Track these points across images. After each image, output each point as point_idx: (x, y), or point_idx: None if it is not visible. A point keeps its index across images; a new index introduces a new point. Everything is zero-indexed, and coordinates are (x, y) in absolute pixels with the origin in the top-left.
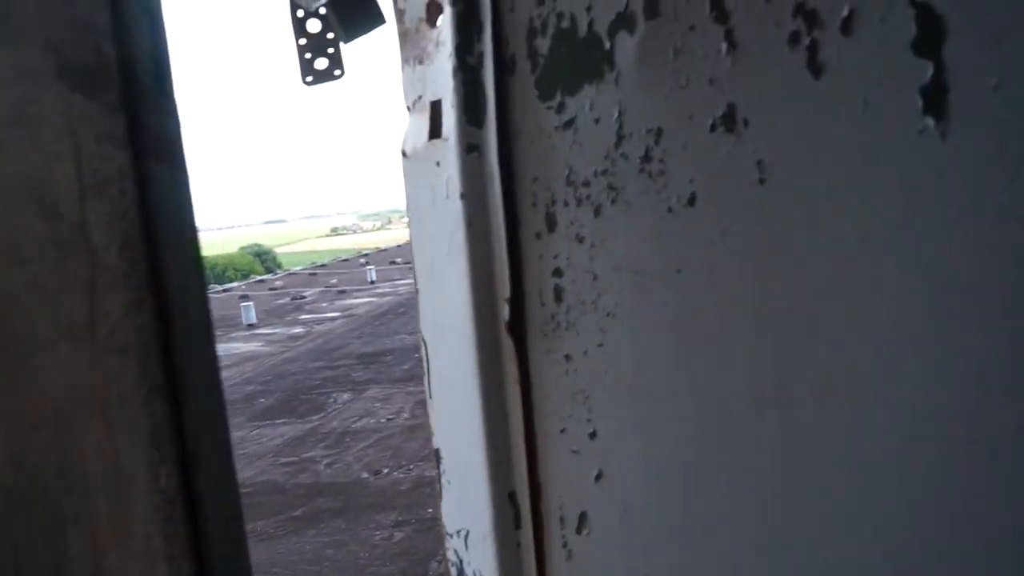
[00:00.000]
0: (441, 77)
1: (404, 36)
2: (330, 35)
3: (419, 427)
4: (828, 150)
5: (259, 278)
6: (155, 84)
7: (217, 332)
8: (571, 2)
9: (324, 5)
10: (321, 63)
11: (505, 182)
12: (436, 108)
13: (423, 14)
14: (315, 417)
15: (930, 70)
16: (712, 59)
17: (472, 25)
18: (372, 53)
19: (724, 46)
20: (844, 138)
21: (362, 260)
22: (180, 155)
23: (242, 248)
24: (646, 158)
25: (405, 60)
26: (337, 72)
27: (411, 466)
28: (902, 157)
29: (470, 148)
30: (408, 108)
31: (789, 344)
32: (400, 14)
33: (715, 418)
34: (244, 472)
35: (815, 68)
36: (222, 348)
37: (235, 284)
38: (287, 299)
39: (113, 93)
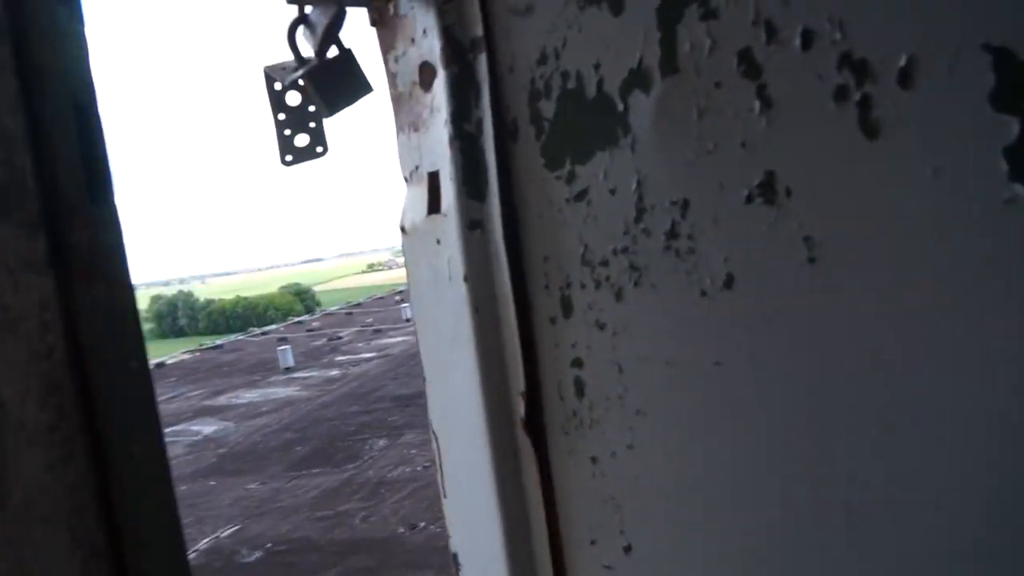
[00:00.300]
0: (438, 146)
1: (397, 101)
2: (311, 107)
3: None
4: (890, 224)
5: (297, 319)
6: (88, 192)
7: (256, 377)
8: (577, 60)
9: (302, 77)
10: (302, 139)
11: (513, 262)
12: (434, 180)
13: (416, 77)
14: (351, 466)
15: (1015, 127)
16: (743, 120)
17: (469, 89)
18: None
19: (757, 104)
20: (909, 210)
21: (397, 297)
22: (120, 270)
23: (282, 288)
24: (672, 234)
25: (399, 127)
26: (319, 149)
27: None
28: (984, 232)
29: (472, 224)
30: (405, 179)
31: (850, 448)
32: (392, 77)
33: (765, 530)
34: (280, 528)
35: (869, 128)
36: (260, 393)
37: (273, 327)
38: (324, 340)
39: (30, 210)
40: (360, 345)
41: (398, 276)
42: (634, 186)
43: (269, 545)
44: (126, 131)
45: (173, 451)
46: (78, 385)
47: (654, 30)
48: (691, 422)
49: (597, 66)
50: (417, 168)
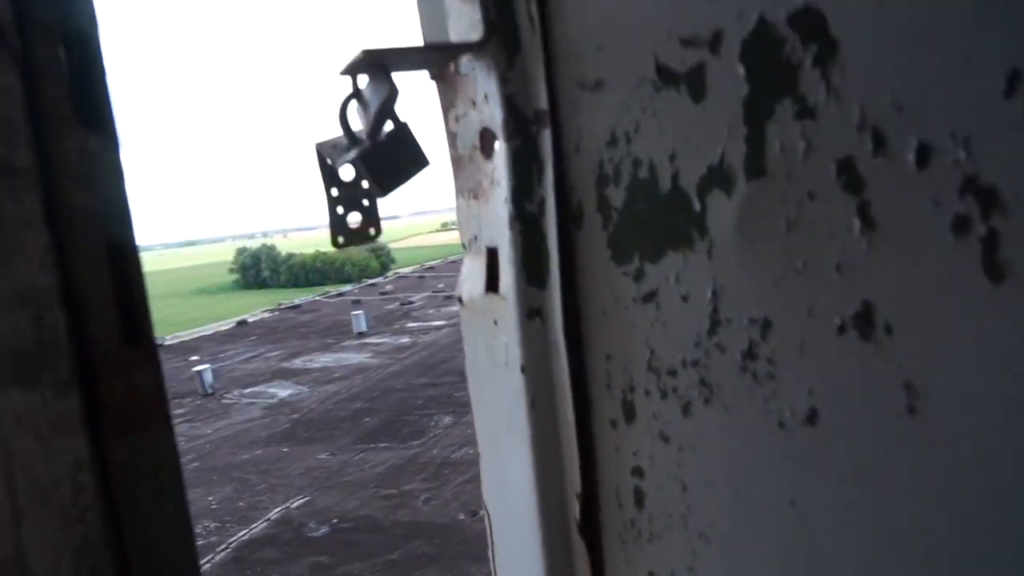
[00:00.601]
0: (497, 221)
1: (457, 163)
2: (366, 183)
3: None
4: (1012, 385)
5: (371, 281)
6: (124, 334)
7: (330, 340)
8: (650, 147)
9: (353, 160)
10: (355, 219)
11: (573, 357)
12: (493, 257)
13: (476, 142)
14: (416, 443)
15: None
16: (841, 239)
17: (531, 164)
18: None
19: (857, 223)
20: None
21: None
22: (158, 412)
23: None
24: (750, 354)
25: (459, 191)
26: (372, 231)
27: None
28: None
29: (531, 312)
30: (463, 245)
31: None
32: (452, 137)
33: None
34: (347, 503)
35: (994, 269)
36: (334, 358)
37: (348, 288)
38: (396, 304)
39: (62, 368)
40: (431, 312)
41: None
42: (709, 295)
43: (335, 520)
44: (217, 87)
45: (251, 413)
46: (113, 544)
47: (740, 124)
48: (760, 557)
49: (673, 157)
50: (476, 239)
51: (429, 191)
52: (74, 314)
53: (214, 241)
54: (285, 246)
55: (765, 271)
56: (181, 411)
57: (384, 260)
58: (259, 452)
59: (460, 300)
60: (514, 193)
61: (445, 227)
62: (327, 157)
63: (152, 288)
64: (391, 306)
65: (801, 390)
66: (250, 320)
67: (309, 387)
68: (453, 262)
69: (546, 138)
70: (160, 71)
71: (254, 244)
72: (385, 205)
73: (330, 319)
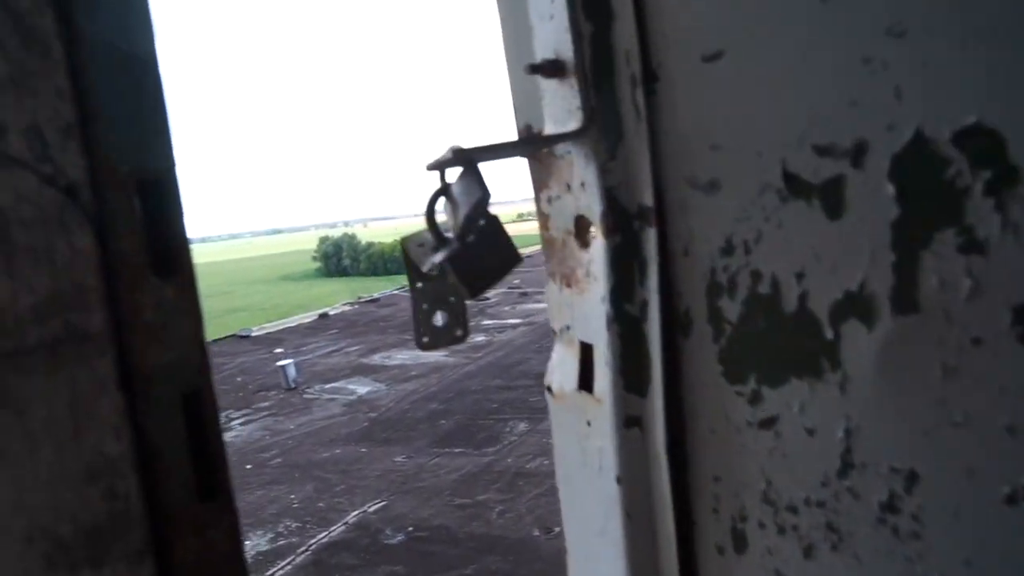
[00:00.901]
0: (593, 318)
1: (549, 245)
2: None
3: None
4: None
5: None
6: (200, 492)
7: (407, 336)
8: (774, 261)
9: (440, 264)
10: (440, 318)
11: (676, 473)
12: (587, 354)
13: (571, 227)
14: (491, 450)
15: None
16: (1013, 398)
17: (633, 264)
18: None
19: None
20: None
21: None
22: (240, 569)
23: None
24: (890, 507)
25: (551, 273)
26: (459, 332)
27: None
28: None
29: (629, 421)
30: (554, 331)
31: None
32: (543, 218)
33: None
34: (422, 511)
35: None
36: (411, 355)
37: None
38: (471, 301)
39: (134, 538)
40: (506, 309)
41: None
42: (841, 434)
43: (411, 529)
44: (306, 81)
45: (331, 410)
46: None
47: (886, 250)
48: None
49: (801, 276)
50: (568, 328)
51: (505, 182)
52: (148, 477)
53: (299, 230)
54: (365, 235)
55: (913, 418)
56: (266, 404)
57: None
58: (338, 451)
59: (549, 389)
60: (613, 292)
61: (521, 218)
62: (412, 255)
63: (240, 275)
64: (467, 302)
65: (955, 558)
66: (331, 313)
67: (387, 385)
68: (529, 256)
69: (651, 237)
70: (254, 62)
71: (336, 233)
72: None
73: (407, 313)
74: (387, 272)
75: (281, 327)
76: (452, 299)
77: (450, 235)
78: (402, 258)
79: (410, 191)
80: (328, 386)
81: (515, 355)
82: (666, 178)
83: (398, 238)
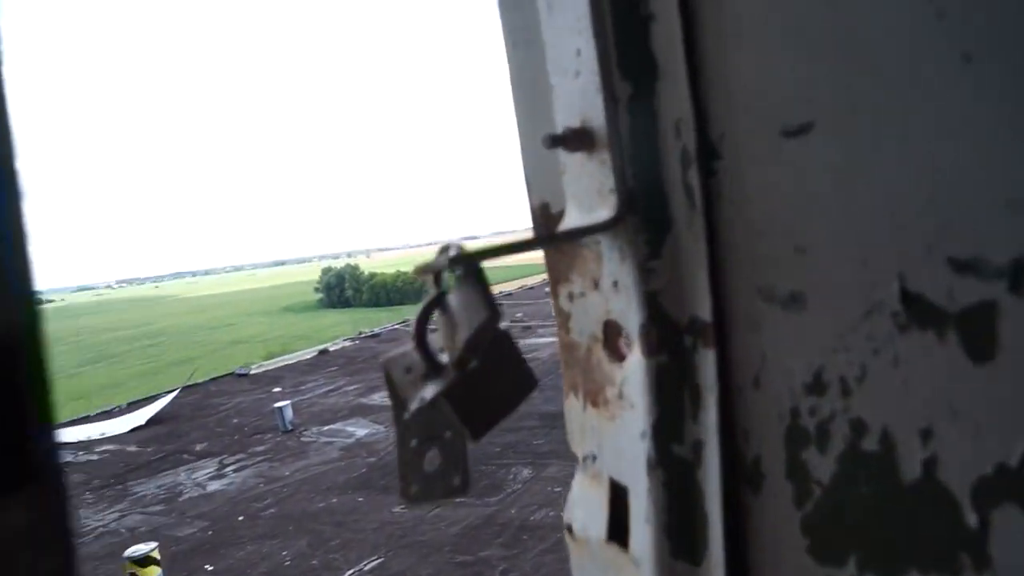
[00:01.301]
0: (629, 455)
1: (569, 351)
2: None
3: None
4: None
5: None
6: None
7: None
8: (886, 412)
9: (434, 398)
10: (432, 461)
11: None
12: (619, 496)
13: (598, 334)
14: (494, 500)
15: None
16: None
17: (683, 392)
18: None
19: None
20: None
21: (547, 289)
22: None
23: None
24: None
25: (569, 386)
26: (456, 481)
27: None
28: None
29: None
30: (579, 458)
31: None
32: (563, 316)
33: None
34: (420, 569)
35: None
36: None
37: None
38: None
39: None
40: None
41: None
42: None
43: None
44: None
45: (328, 455)
46: None
47: None
48: None
49: (928, 434)
50: (594, 459)
51: (508, 209)
52: None
53: (302, 261)
54: (368, 266)
55: None
56: (262, 448)
57: None
58: (335, 500)
59: (569, 530)
60: (657, 426)
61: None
62: (398, 383)
63: (243, 306)
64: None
65: None
66: (331, 349)
67: (386, 427)
68: (531, 288)
69: (708, 360)
70: (256, 89)
71: (339, 264)
72: (464, 226)
73: None
74: (389, 303)
75: (280, 364)
76: (447, 436)
77: (445, 359)
78: (386, 385)
79: (414, 221)
80: (326, 428)
81: None
82: (729, 285)
83: (400, 269)
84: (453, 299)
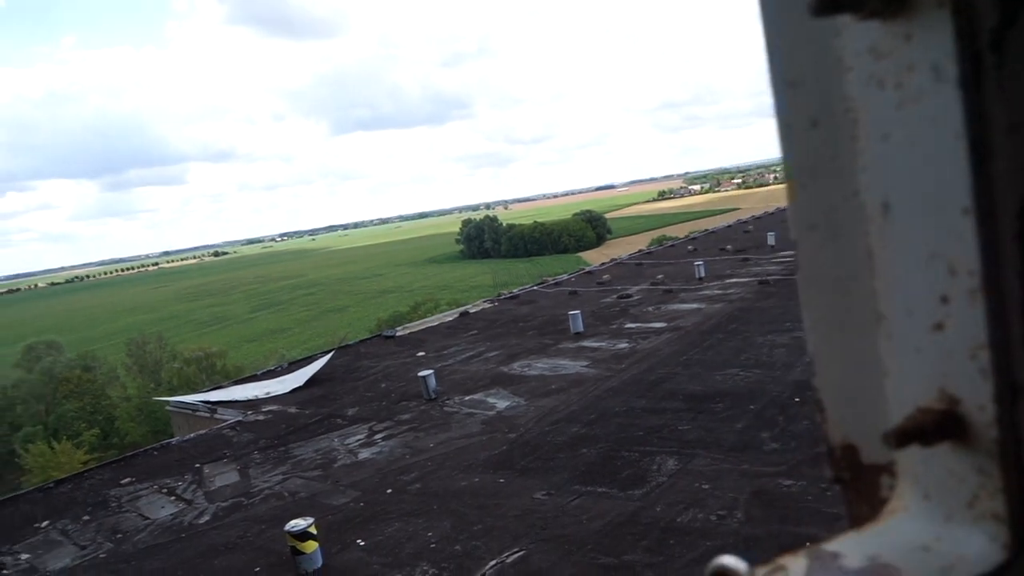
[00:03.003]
0: None
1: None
2: None
3: (755, 541)
4: None
5: (587, 269)
6: None
7: (547, 340)
8: None
9: None
10: None
11: None
12: None
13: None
14: (637, 492)
15: None
16: None
17: None
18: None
19: None
20: None
21: (690, 247)
22: None
23: (575, 214)
24: None
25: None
26: None
27: None
28: None
29: None
30: None
31: None
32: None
33: None
34: (562, 568)
35: None
36: (550, 365)
37: (564, 276)
38: (613, 298)
39: None
40: (650, 309)
41: (687, 203)
42: None
43: None
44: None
45: (470, 428)
46: None
47: None
48: None
49: None
50: None
51: (645, 159)
52: None
53: (443, 213)
54: (506, 216)
55: None
56: (407, 416)
57: (600, 231)
58: (476, 480)
59: None
60: None
61: (662, 196)
62: None
63: (390, 257)
64: (608, 299)
65: None
66: (472, 311)
67: (526, 399)
68: (672, 245)
69: None
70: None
71: (478, 216)
72: (600, 175)
73: (547, 313)
74: (527, 253)
75: (423, 327)
76: None
77: None
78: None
79: (551, 171)
80: (467, 398)
81: (660, 368)
82: None
83: (537, 220)
84: None
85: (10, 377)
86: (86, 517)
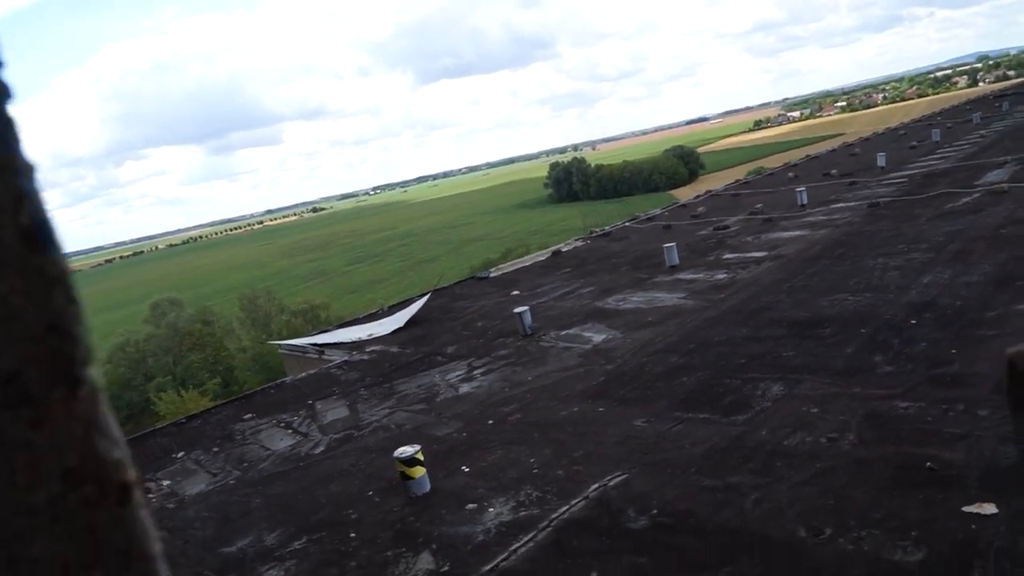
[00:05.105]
0: None
1: None
2: None
3: (868, 462)
4: None
5: (682, 202)
6: None
7: (641, 275)
8: None
9: None
10: None
11: None
12: None
13: None
14: (740, 418)
15: None
16: None
17: None
18: None
19: None
20: None
21: (790, 174)
22: None
23: (666, 151)
24: None
25: None
26: None
27: (862, 532)
28: None
29: None
30: None
31: None
32: None
33: None
34: (665, 491)
35: None
36: (645, 298)
37: (657, 211)
38: (709, 230)
39: None
40: (748, 239)
41: (789, 131)
42: None
43: (655, 512)
44: None
45: (567, 361)
46: None
47: None
48: None
49: None
50: None
51: (740, 88)
52: None
53: (530, 157)
54: (594, 158)
55: None
56: (504, 352)
57: (692, 166)
58: (575, 409)
59: None
60: None
61: (759, 125)
62: None
63: (480, 205)
64: (703, 232)
65: None
66: (564, 250)
67: (623, 332)
68: (771, 174)
69: None
70: None
71: (565, 158)
72: (691, 108)
73: (640, 248)
74: (616, 194)
75: (517, 267)
76: None
77: None
78: (1006, 378)
79: (639, 109)
80: (563, 333)
81: (762, 297)
82: None
83: (626, 159)
84: None
85: (141, 332)
86: (215, 448)
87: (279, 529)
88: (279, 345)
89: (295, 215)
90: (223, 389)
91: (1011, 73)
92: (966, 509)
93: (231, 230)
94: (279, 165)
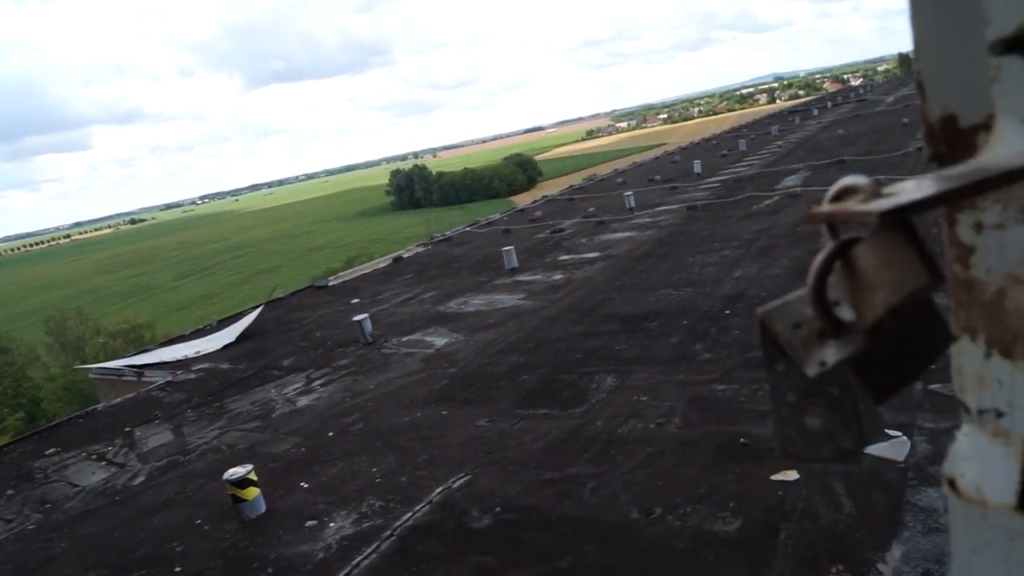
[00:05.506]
0: None
1: (966, 289)
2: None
3: (693, 443)
4: None
5: (521, 207)
6: None
7: (482, 278)
8: None
9: (842, 362)
10: (815, 418)
11: None
12: None
13: (1020, 274)
14: (578, 410)
15: None
16: None
17: None
18: None
19: None
20: None
21: (619, 180)
22: None
23: (505, 159)
24: None
25: (965, 327)
26: (848, 443)
27: (687, 508)
28: None
29: None
30: (969, 408)
31: None
32: (962, 251)
33: None
34: (508, 488)
35: None
36: (486, 300)
37: (497, 216)
38: (546, 233)
39: None
40: (583, 241)
41: (615, 140)
42: None
43: (498, 510)
44: None
45: (409, 366)
46: None
47: None
48: None
49: None
50: (1000, 416)
51: (572, 99)
52: None
53: (371, 164)
54: (435, 164)
55: None
56: (345, 362)
57: (530, 173)
58: (419, 414)
59: (952, 484)
60: None
61: (591, 135)
62: (784, 338)
63: (319, 213)
64: (541, 235)
65: None
66: (405, 256)
67: (465, 335)
68: (602, 180)
69: None
70: None
71: (406, 166)
72: (527, 117)
73: (480, 253)
74: (459, 200)
75: (357, 274)
76: (835, 391)
77: (847, 318)
78: (759, 337)
79: (478, 116)
80: (405, 339)
81: (596, 295)
82: None
83: (467, 166)
84: (867, 252)
85: None
86: (10, 491)
87: (91, 573)
88: (89, 369)
89: (110, 227)
90: (28, 424)
91: (801, 92)
92: (774, 478)
93: (31, 245)
94: (88, 173)
